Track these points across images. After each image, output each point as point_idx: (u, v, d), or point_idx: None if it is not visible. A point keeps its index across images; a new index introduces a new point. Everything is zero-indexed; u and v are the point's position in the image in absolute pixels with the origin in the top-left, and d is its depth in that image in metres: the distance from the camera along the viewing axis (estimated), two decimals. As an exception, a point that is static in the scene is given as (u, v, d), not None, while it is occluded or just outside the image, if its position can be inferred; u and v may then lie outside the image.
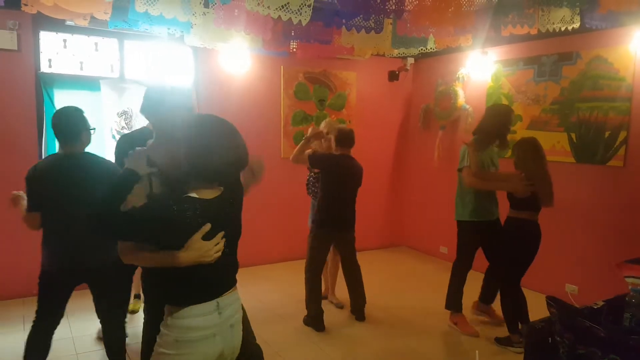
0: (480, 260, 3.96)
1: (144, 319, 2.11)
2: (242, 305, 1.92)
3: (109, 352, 2.90)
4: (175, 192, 1.72)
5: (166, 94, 1.93)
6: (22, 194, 2.72)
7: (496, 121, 3.70)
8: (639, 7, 3.21)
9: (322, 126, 4.11)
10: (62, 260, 2.62)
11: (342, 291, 4.30)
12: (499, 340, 3.63)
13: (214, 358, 1.73)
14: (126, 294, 2.98)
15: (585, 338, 1.67)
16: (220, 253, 1.70)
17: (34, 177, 2.60)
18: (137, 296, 4.18)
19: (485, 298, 4.03)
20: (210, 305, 1.71)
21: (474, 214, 3.75)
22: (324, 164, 3.89)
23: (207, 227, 1.66)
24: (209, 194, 1.71)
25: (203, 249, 1.65)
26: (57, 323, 2.80)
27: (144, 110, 1.97)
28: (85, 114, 2.73)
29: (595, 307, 1.93)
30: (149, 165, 1.76)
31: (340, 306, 4.31)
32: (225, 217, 1.76)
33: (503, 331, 3.70)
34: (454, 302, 3.90)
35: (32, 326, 2.73)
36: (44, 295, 2.70)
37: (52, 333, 2.79)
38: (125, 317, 2.96)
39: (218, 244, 1.70)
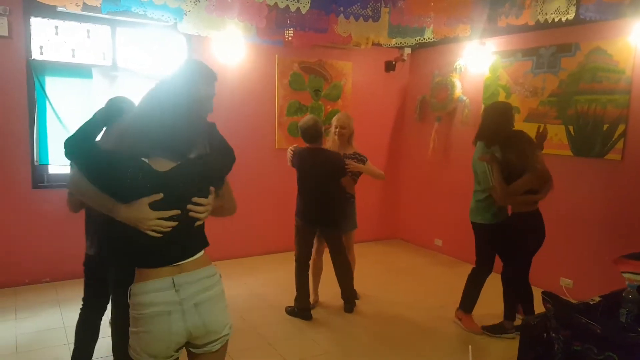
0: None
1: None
2: (216, 285, 1.79)
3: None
4: (133, 152, 1.69)
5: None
6: None
7: (498, 120, 3.50)
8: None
9: (334, 120, 4.14)
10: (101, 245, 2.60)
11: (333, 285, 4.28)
12: (490, 329, 3.62)
13: (178, 337, 1.69)
14: None
15: (581, 334, 1.64)
16: (160, 228, 1.65)
17: None
18: None
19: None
20: (163, 281, 1.66)
21: (497, 216, 3.60)
22: (293, 162, 3.93)
23: (159, 196, 1.64)
24: (162, 165, 1.69)
25: (143, 214, 1.63)
26: (105, 308, 2.83)
27: None
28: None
29: (592, 303, 1.90)
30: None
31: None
32: (179, 193, 1.70)
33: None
34: (467, 304, 3.80)
35: (81, 313, 2.79)
36: (89, 280, 2.74)
37: (100, 319, 2.82)
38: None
39: (163, 220, 1.65)
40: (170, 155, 1.71)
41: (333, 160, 3.84)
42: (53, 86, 4.34)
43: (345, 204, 4.08)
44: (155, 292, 1.66)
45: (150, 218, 1.63)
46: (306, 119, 3.89)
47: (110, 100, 2.76)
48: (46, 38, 4.43)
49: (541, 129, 4.64)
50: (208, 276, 1.76)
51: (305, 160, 3.85)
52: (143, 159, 1.67)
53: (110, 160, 1.65)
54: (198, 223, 1.76)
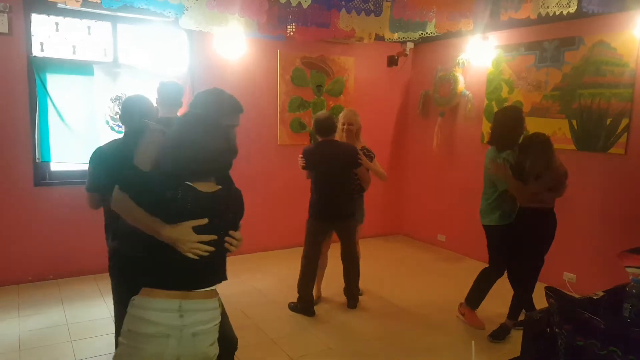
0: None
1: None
2: (216, 318, 1.80)
3: None
4: (174, 176, 1.71)
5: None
6: None
7: (509, 125, 3.47)
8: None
9: (340, 117, 4.15)
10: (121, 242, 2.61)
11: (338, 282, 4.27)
12: (495, 336, 3.52)
13: None
14: None
15: (585, 329, 1.63)
16: (199, 252, 1.67)
17: (99, 158, 2.57)
18: None
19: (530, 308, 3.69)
20: (171, 303, 1.65)
21: (504, 218, 3.56)
22: (307, 162, 3.85)
23: (204, 221, 1.67)
24: (205, 187, 1.72)
25: (185, 236, 1.64)
26: None
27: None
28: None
29: (595, 298, 1.89)
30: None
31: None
32: (221, 217, 1.75)
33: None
34: (474, 300, 3.77)
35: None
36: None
37: None
38: None
39: (202, 243, 1.67)
40: (210, 178, 1.75)
41: (346, 151, 3.85)
42: (54, 83, 4.33)
43: (357, 196, 4.08)
44: (160, 311, 1.64)
45: (192, 240, 1.65)
46: (321, 112, 3.95)
47: (127, 99, 2.75)
48: (47, 35, 4.43)
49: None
50: (212, 308, 1.77)
51: (318, 153, 3.83)
52: (187, 182, 1.69)
53: (158, 183, 1.67)
54: (229, 252, 1.81)
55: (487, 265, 3.75)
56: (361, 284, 4.27)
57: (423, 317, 3.97)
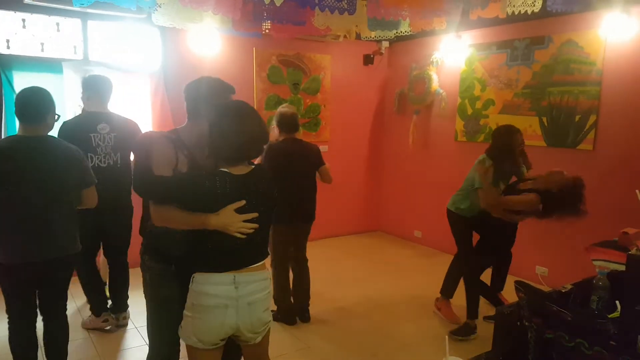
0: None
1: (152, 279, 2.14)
2: (267, 287, 1.97)
3: (49, 348, 2.71)
4: (203, 168, 1.86)
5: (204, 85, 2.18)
6: None
7: (501, 141, 3.55)
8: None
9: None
10: (21, 250, 2.43)
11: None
12: (457, 333, 3.52)
13: (228, 329, 1.86)
14: (67, 285, 2.74)
15: (553, 322, 1.68)
16: (246, 230, 1.81)
17: None
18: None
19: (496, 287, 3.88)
20: (226, 277, 1.82)
21: (467, 211, 3.69)
22: (267, 160, 3.50)
23: (242, 202, 1.81)
24: (239, 170, 1.85)
25: (231, 219, 1.79)
26: (35, 317, 2.62)
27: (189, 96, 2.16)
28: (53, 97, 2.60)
29: (564, 291, 1.94)
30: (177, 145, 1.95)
31: None
32: (258, 195, 1.88)
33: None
34: (448, 289, 3.85)
35: (9, 327, 2.58)
36: (8, 291, 2.52)
37: (33, 328, 2.61)
38: (66, 309, 2.79)
39: (247, 221, 1.82)
40: (244, 162, 1.89)
41: (312, 149, 3.68)
42: (22, 81, 4.20)
43: None
44: (217, 285, 1.82)
45: (237, 221, 1.81)
46: (285, 109, 3.68)
47: (24, 93, 2.55)
48: (13, 31, 4.28)
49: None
50: (263, 279, 1.94)
51: (289, 153, 3.56)
52: (222, 169, 1.83)
53: (193, 178, 1.82)
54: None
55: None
56: (339, 282, 4.27)
57: (399, 313, 4.01)
